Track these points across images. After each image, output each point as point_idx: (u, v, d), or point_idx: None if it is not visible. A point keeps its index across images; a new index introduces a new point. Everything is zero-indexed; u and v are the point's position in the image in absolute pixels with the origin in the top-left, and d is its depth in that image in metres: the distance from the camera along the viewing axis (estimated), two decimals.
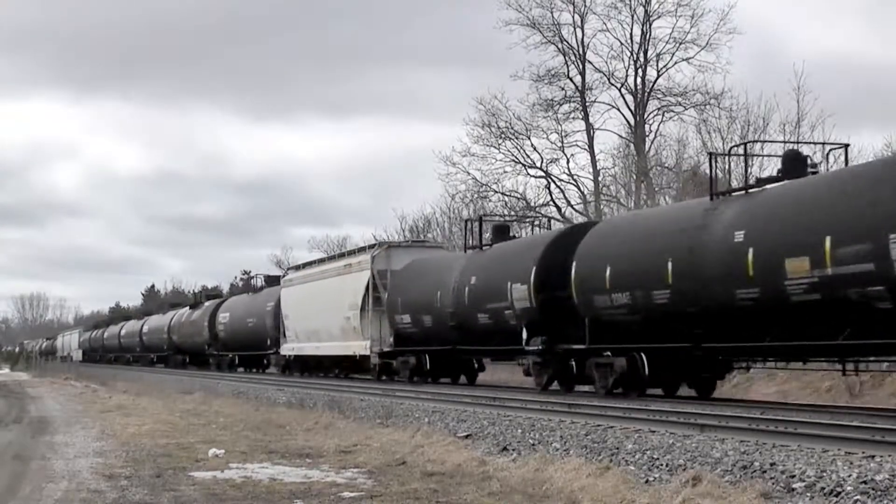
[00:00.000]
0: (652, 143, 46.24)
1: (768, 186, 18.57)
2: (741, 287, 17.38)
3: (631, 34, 45.52)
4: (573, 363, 22.69)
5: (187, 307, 61.79)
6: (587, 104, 46.56)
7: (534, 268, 23.36)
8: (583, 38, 46.02)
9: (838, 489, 9.34)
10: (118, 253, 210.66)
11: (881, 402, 21.02)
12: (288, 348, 40.27)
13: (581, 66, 46.13)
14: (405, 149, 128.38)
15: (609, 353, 21.34)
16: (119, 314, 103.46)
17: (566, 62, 46.15)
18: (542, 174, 47.69)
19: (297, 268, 42.66)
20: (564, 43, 46.00)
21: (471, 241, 29.84)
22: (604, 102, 46.56)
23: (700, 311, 18.58)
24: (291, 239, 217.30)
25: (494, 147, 47.62)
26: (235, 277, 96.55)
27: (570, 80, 46.29)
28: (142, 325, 72.74)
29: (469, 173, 48.27)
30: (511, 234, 29.40)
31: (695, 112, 44.35)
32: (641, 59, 45.45)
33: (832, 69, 71.67)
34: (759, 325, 17.52)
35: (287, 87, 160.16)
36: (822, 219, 16.10)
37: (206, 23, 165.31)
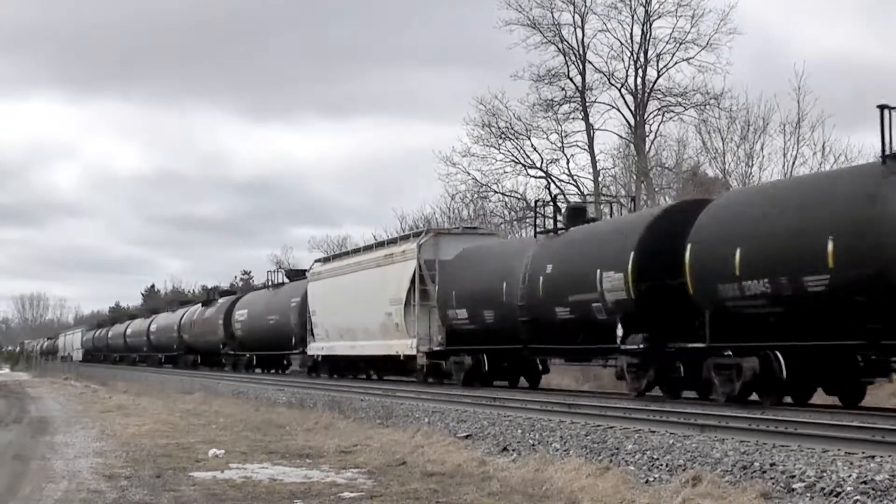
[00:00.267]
0: (652, 143, 46.26)
1: None
2: None
3: (631, 34, 45.54)
4: (680, 364, 19.52)
5: (199, 304, 58.83)
6: (587, 104, 46.57)
7: (632, 253, 20.10)
8: (583, 39, 46.04)
9: (838, 489, 9.34)
10: (118, 253, 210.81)
11: (881, 402, 21.01)
12: (316, 348, 37.02)
13: (581, 67, 46.15)
14: (405, 149, 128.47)
15: (731, 353, 18.15)
16: (124, 313, 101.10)
17: (566, 62, 46.17)
18: (542, 174, 47.71)
19: (326, 259, 39.53)
20: (564, 43, 46.02)
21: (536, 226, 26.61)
22: (604, 103, 46.59)
23: (871, 301, 15.40)
24: (291, 239, 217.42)
25: (494, 147, 47.63)
26: (235, 277, 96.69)
27: (571, 80, 46.30)
28: (149, 324, 69.84)
29: (469, 173, 48.26)
30: (587, 216, 25.92)
31: (695, 112, 44.36)
32: (641, 60, 45.45)
33: (832, 69, 71.68)
34: None
35: (287, 87, 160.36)
36: None
37: (206, 23, 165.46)
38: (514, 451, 14.21)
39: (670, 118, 45.67)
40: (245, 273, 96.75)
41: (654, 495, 10.30)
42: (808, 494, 9.52)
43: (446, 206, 52.79)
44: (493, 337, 25.42)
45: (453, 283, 27.14)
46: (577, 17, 45.84)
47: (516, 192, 48.29)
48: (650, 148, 45.91)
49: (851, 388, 17.96)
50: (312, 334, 37.22)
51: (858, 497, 9.09)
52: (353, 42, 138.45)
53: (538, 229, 26.17)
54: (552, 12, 45.79)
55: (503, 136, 47.40)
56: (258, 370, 47.04)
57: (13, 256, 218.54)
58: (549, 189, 47.31)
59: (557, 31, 45.89)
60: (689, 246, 18.66)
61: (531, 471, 12.37)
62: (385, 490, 11.59)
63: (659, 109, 46.00)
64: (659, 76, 45.47)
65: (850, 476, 9.58)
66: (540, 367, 26.72)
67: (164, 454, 15.53)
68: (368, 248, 34.91)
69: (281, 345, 41.95)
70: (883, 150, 15.93)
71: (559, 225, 25.23)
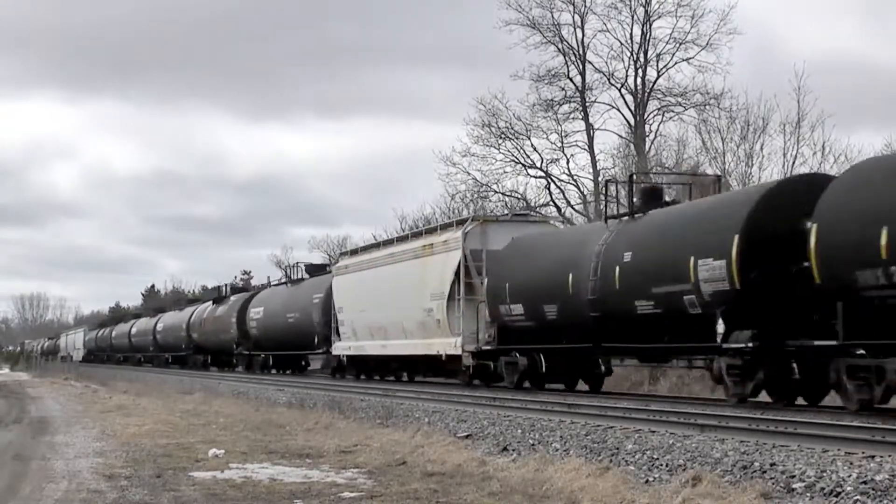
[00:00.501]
0: (652, 143, 46.21)
1: None
2: None
3: (631, 34, 45.49)
4: (794, 366, 17.08)
5: (210, 302, 56.09)
6: (587, 104, 46.52)
7: (736, 236, 17.36)
8: (583, 39, 45.98)
9: (838, 489, 9.34)
10: (117, 253, 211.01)
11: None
12: (342, 347, 34.47)
13: (581, 67, 46.11)
14: (405, 149, 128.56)
15: (864, 353, 15.56)
16: (128, 313, 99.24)
17: (566, 62, 46.12)
18: (542, 174, 47.69)
19: (353, 252, 36.55)
20: (564, 43, 45.97)
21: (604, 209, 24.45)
22: (604, 103, 46.53)
23: None
24: (291, 239, 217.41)
25: (494, 147, 47.55)
26: (235, 277, 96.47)
27: (570, 80, 46.26)
28: (155, 323, 67.54)
29: (469, 173, 48.17)
30: (665, 198, 22.88)
31: (695, 112, 44.30)
32: (641, 60, 45.41)
33: (832, 69, 71.66)
34: None
35: (286, 87, 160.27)
36: None
37: (205, 23, 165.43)
38: (514, 450, 14.22)
39: (670, 118, 45.67)
40: (245, 273, 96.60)
41: (654, 495, 10.30)
42: (808, 494, 9.52)
43: (446, 206, 52.75)
44: (555, 335, 22.91)
45: (506, 276, 24.52)
46: (576, 17, 45.80)
47: (516, 192, 48.25)
48: (650, 148, 45.89)
49: None
50: (338, 333, 34.80)
51: (858, 497, 9.09)
52: (353, 42, 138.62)
53: (608, 214, 23.13)
54: (552, 12, 45.76)
55: (503, 136, 47.37)
56: (272, 371, 45.12)
57: (12, 256, 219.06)
58: (549, 189, 47.35)
59: (557, 31, 45.87)
60: (814, 226, 16.02)
61: (531, 471, 12.37)
62: (385, 490, 11.59)
63: (659, 109, 46.00)
64: (659, 76, 45.47)
65: (850, 476, 9.58)
66: (602, 368, 24.05)
67: (165, 454, 15.53)
68: (403, 239, 32.27)
69: (302, 344, 39.73)
70: None
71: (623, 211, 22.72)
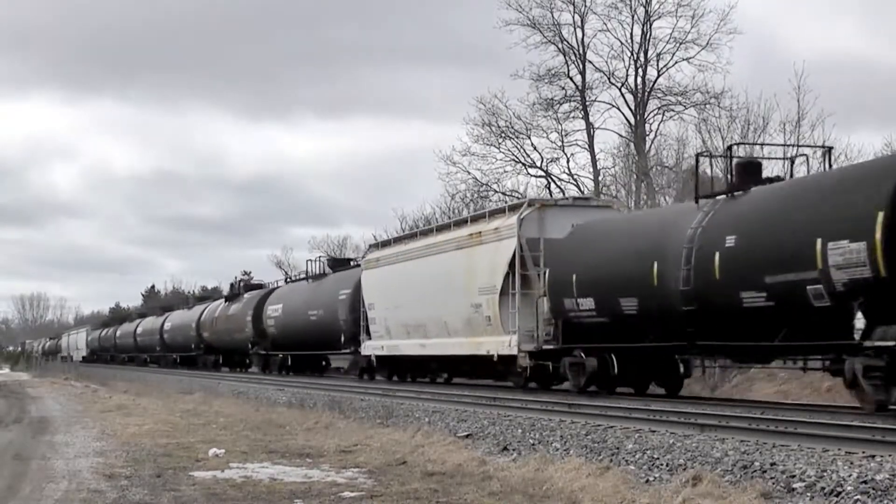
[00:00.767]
0: (652, 142, 46.22)
1: None
2: None
3: (631, 34, 45.50)
4: None
5: (222, 299, 53.52)
6: (587, 104, 46.56)
7: (881, 213, 14.59)
8: (583, 38, 45.99)
9: (838, 489, 9.34)
10: (117, 253, 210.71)
11: None
12: (373, 347, 31.74)
13: (581, 66, 46.12)
14: (405, 149, 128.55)
15: None
16: (132, 312, 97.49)
17: (566, 62, 46.13)
18: (543, 174, 47.71)
19: (385, 243, 33.90)
20: (564, 43, 45.98)
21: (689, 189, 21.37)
22: (604, 102, 46.55)
23: None
24: (291, 239, 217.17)
25: (494, 146, 47.57)
26: (235, 277, 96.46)
27: (571, 79, 46.27)
28: (163, 322, 64.66)
29: (469, 173, 48.16)
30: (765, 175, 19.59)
31: (695, 111, 44.30)
32: (642, 59, 45.43)
33: (832, 69, 71.66)
34: None
35: (285, 87, 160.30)
36: None
37: (204, 23, 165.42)
38: (514, 450, 14.22)
39: (670, 117, 45.67)
40: (245, 273, 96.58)
41: (654, 495, 10.30)
42: (809, 494, 9.52)
43: (446, 206, 52.75)
44: (632, 331, 20.34)
45: (572, 266, 21.77)
46: (577, 16, 45.83)
47: (517, 191, 48.23)
48: (650, 147, 45.90)
49: None
50: (368, 331, 32.18)
51: (859, 497, 9.09)
52: (353, 42, 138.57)
53: (699, 193, 20.04)
54: (552, 12, 45.77)
55: (503, 135, 47.39)
56: (290, 372, 42.06)
57: (12, 256, 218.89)
58: (549, 189, 47.35)
59: (557, 31, 45.88)
60: None
61: (531, 470, 12.37)
62: (385, 490, 11.59)
63: (659, 108, 46.02)
64: (659, 76, 45.48)
65: (850, 476, 9.58)
66: (682, 369, 21.53)
67: (165, 454, 15.54)
68: (444, 228, 29.30)
69: (326, 343, 37.11)
70: None
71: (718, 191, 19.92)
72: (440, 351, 27.79)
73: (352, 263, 39.03)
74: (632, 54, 45.51)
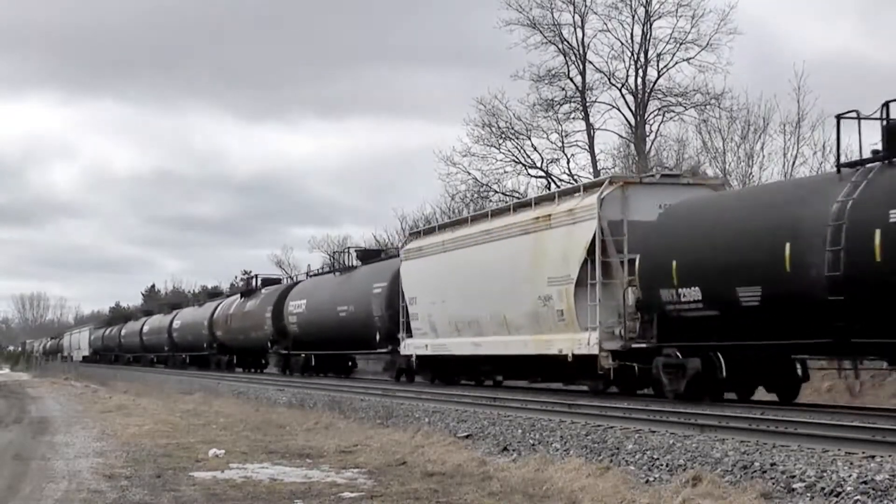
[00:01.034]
0: (652, 143, 46.26)
1: None
2: None
3: (631, 34, 45.53)
4: None
5: (236, 295, 50.28)
6: (587, 104, 46.60)
7: None
8: (583, 39, 46.03)
9: (838, 489, 9.35)
10: (117, 253, 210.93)
11: (881, 402, 21.01)
12: (415, 346, 28.70)
13: (581, 67, 46.15)
14: (404, 149, 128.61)
15: None
16: (137, 310, 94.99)
17: (566, 62, 46.17)
18: (543, 174, 47.74)
19: (427, 231, 30.60)
20: (565, 43, 46.02)
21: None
22: (604, 102, 46.60)
23: None
24: (291, 239, 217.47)
25: (495, 147, 47.62)
26: (235, 277, 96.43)
27: (571, 80, 46.31)
28: (171, 320, 61.14)
29: (469, 173, 48.21)
30: None
31: (695, 112, 44.37)
32: (642, 60, 45.47)
33: (832, 69, 71.67)
34: None
35: (284, 87, 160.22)
36: None
37: (203, 23, 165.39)
38: (514, 450, 14.23)
39: (670, 118, 45.72)
40: (245, 273, 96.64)
41: (654, 495, 10.31)
42: (809, 494, 9.53)
43: (446, 206, 52.78)
44: (751, 326, 17.39)
45: (670, 252, 18.88)
46: (577, 17, 45.88)
47: (517, 191, 48.28)
48: (650, 148, 45.92)
49: None
50: (408, 329, 29.06)
51: (859, 497, 9.09)
52: (351, 42, 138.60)
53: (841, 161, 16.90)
54: (552, 12, 45.81)
55: (503, 135, 47.43)
56: (315, 374, 39.07)
57: (12, 256, 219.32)
58: (549, 189, 47.36)
59: (557, 31, 45.91)
60: None
61: (531, 471, 12.38)
62: (385, 490, 11.59)
63: (659, 109, 46.06)
64: (659, 76, 45.52)
65: (850, 476, 9.59)
66: (800, 371, 18.97)
67: (165, 454, 15.55)
68: (502, 212, 26.11)
69: (357, 342, 34.03)
70: None
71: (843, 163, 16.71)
72: (498, 350, 24.66)
73: (383, 255, 36.24)
74: (632, 55, 45.56)
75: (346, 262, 38.12)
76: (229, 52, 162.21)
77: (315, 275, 44.43)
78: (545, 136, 47.16)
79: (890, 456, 10.33)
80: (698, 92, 44.20)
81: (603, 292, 20.45)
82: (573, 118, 46.88)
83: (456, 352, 26.78)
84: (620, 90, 45.97)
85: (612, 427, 14.62)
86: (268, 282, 48.90)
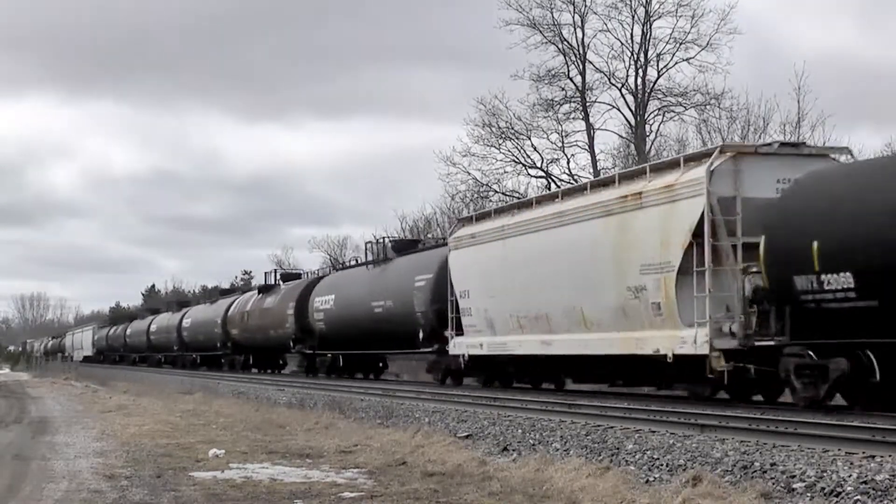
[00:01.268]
0: (652, 143, 46.26)
1: None
2: None
3: (631, 34, 45.53)
4: None
5: (253, 291, 47.45)
6: (587, 104, 46.60)
7: None
8: (583, 39, 46.02)
9: (838, 489, 9.35)
10: (117, 253, 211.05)
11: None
12: (468, 344, 25.39)
13: (581, 67, 46.16)
14: (404, 149, 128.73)
15: None
16: (141, 309, 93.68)
17: (566, 62, 46.17)
18: (543, 174, 47.74)
19: (480, 216, 26.76)
20: (565, 43, 46.02)
21: None
22: (604, 102, 46.59)
23: None
24: (291, 239, 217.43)
25: (495, 147, 47.61)
26: (236, 277, 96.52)
27: (571, 80, 46.30)
28: (180, 319, 58.40)
29: (469, 173, 48.19)
30: None
31: (695, 112, 44.40)
32: (642, 60, 45.46)
33: (832, 69, 71.70)
34: None
35: (283, 87, 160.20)
36: None
37: (201, 23, 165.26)
38: (514, 450, 14.23)
39: (671, 118, 45.73)
40: (245, 273, 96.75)
41: (654, 495, 10.31)
42: (809, 494, 9.53)
43: (446, 206, 52.78)
44: None
45: (807, 232, 15.73)
46: (577, 17, 45.87)
47: (517, 191, 48.28)
48: (650, 148, 45.92)
49: None
50: (459, 325, 25.88)
51: (859, 497, 9.09)
52: (351, 41, 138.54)
53: None
54: (552, 12, 45.80)
55: (503, 135, 47.43)
56: (343, 375, 36.24)
57: (11, 256, 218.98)
58: (549, 189, 47.35)
59: (557, 31, 45.90)
60: None
61: (531, 471, 12.38)
62: (385, 490, 11.60)
63: (659, 109, 46.06)
64: (659, 76, 45.51)
65: (850, 476, 9.59)
66: None
67: (165, 454, 15.55)
68: (575, 192, 22.73)
69: (396, 341, 30.67)
70: None
71: None
72: (574, 350, 21.40)
73: (420, 246, 33.14)
74: (632, 55, 45.56)
75: (379, 254, 34.05)
76: (228, 53, 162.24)
77: (343, 268, 40.75)
78: (545, 136, 47.19)
79: (890, 456, 10.33)
80: (698, 92, 44.23)
81: (715, 283, 17.43)
82: (573, 118, 46.91)
83: (519, 351, 23.53)
84: (620, 90, 46.00)
85: (612, 427, 14.62)
86: (288, 277, 46.02)
